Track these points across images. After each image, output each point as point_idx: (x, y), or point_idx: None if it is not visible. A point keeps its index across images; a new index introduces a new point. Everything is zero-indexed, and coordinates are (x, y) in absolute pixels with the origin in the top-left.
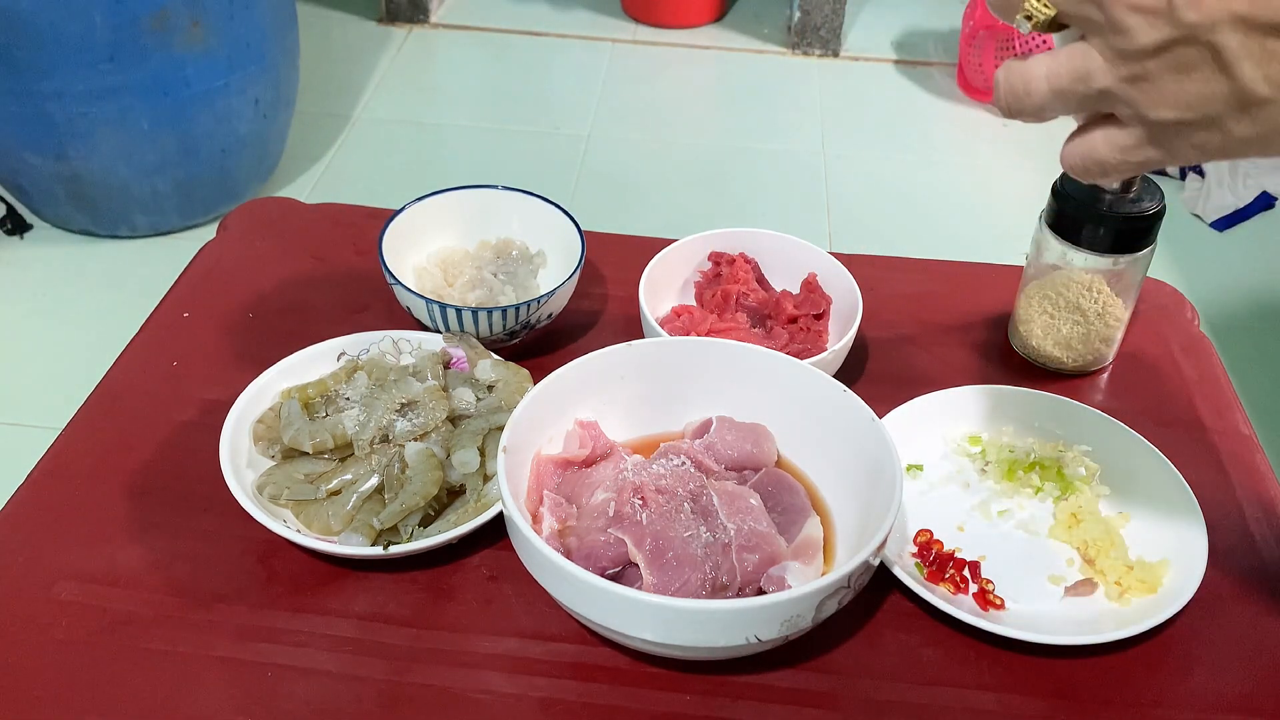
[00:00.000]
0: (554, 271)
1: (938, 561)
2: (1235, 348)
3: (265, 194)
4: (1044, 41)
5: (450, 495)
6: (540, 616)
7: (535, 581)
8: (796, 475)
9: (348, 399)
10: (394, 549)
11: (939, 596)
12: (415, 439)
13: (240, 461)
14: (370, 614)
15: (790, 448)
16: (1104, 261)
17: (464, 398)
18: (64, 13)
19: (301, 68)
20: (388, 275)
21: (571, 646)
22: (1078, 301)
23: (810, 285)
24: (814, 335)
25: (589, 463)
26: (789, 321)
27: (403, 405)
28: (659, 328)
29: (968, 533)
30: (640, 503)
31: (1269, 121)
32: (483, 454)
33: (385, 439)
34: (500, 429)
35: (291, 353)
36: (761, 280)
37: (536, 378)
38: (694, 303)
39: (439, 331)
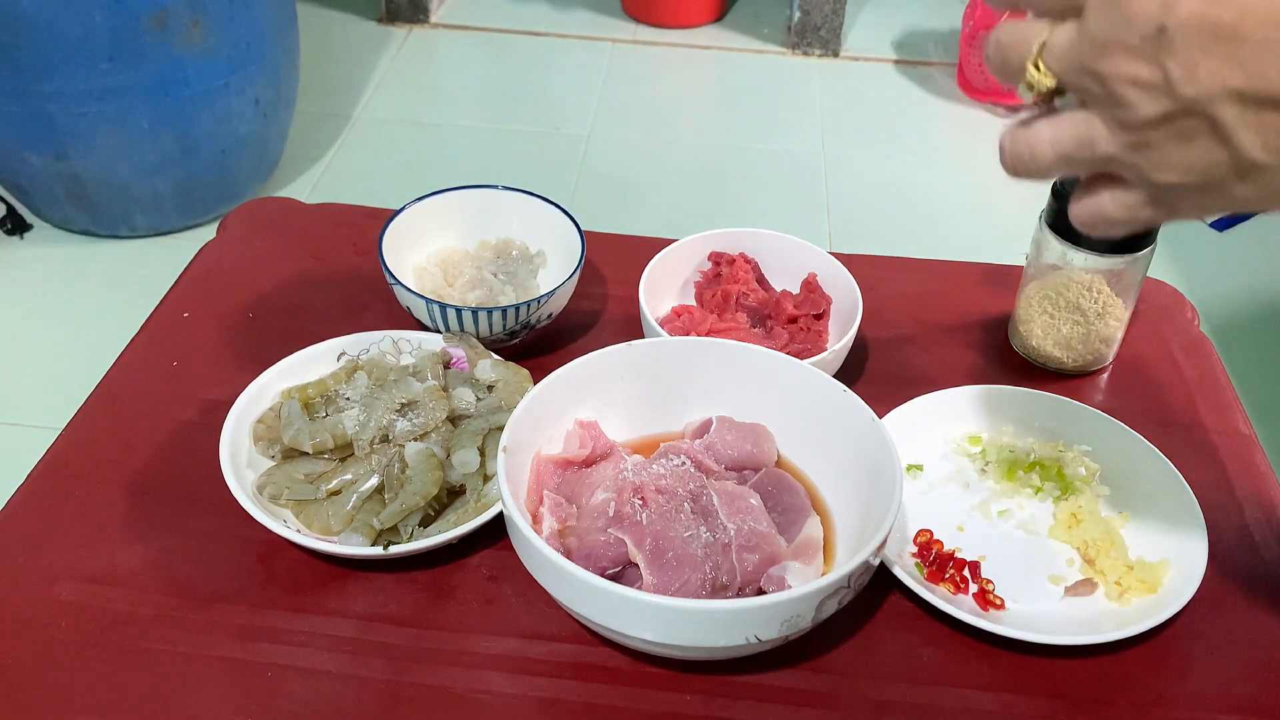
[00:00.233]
0: (554, 271)
1: (938, 561)
2: (1235, 348)
3: (265, 194)
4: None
5: (450, 495)
6: (540, 616)
7: (535, 581)
8: (796, 475)
9: (348, 399)
10: (394, 549)
11: (939, 596)
12: (415, 439)
13: (240, 461)
14: (370, 614)
15: (790, 448)
16: (1104, 261)
17: (464, 398)
18: (64, 13)
19: (301, 68)
20: (388, 275)
21: (571, 646)
22: (1078, 301)
23: (810, 285)
24: (814, 335)
25: (589, 463)
26: (789, 321)
27: (403, 405)
28: (659, 328)
29: (968, 533)
30: (640, 503)
31: (1268, 185)
32: (483, 454)
33: (385, 439)
34: (500, 429)
35: (291, 353)
36: (761, 280)
37: (536, 378)
38: (694, 303)
39: (439, 331)
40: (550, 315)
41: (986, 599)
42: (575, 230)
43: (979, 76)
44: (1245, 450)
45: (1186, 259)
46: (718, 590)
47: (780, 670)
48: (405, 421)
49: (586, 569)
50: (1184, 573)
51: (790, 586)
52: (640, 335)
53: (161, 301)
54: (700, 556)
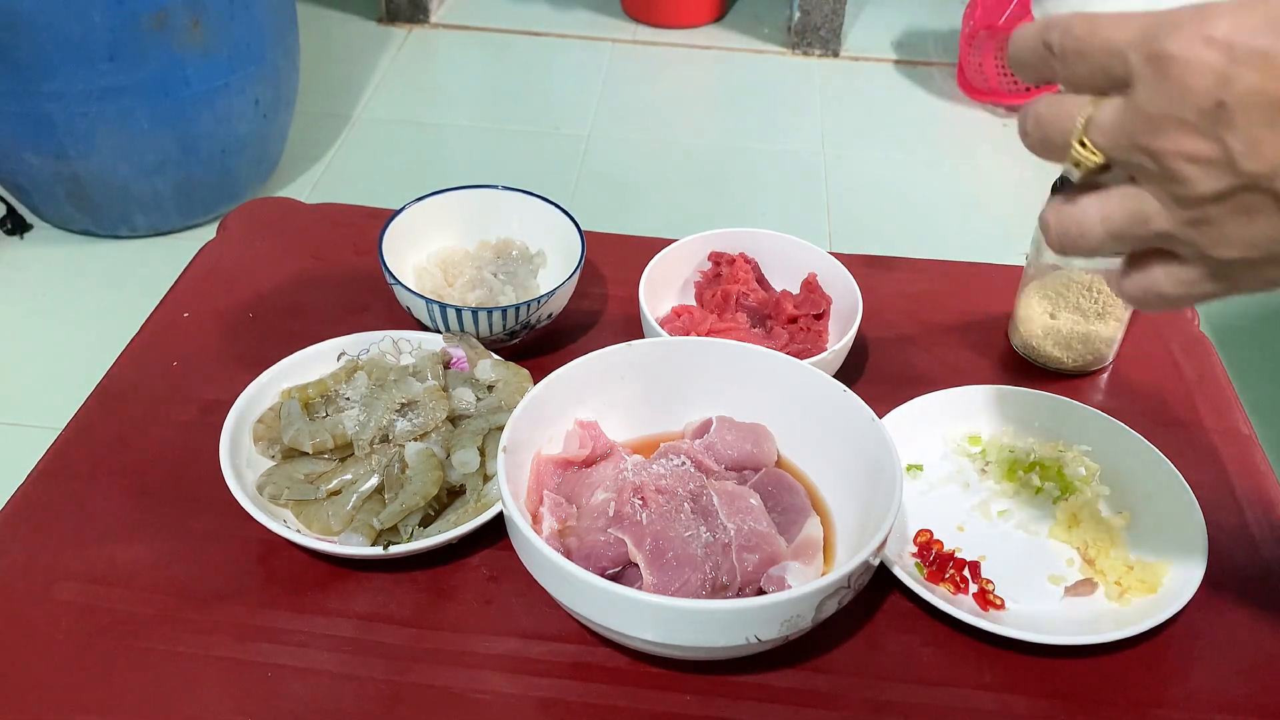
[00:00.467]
0: (554, 271)
1: (938, 561)
2: (1235, 348)
3: (265, 194)
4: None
5: (450, 495)
6: (540, 616)
7: (535, 581)
8: (796, 475)
9: (348, 399)
10: (394, 549)
11: (939, 596)
12: (415, 439)
13: (240, 461)
14: (370, 614)
15: (790, 448)
16: (1104, 262)
17: (464, 398)
18: (64, 13)
19: (301, 68)
20: (388, 275)
21: (571, 646)
22: (1078, 301)
23: (810, 285)
24: (814, 335)
25: (589, 463)
26: (789, 321)
27: (403, 405)
28: (659, 328)
29: (968, 533)
30: (640, 503)
31: None
32: (483, 454)
33: (385, 439)
34: (500, 429)
35: (291, 353)
36: (761, 280)
37: (536, 378)
38: (694, 303)
39: (439, 331)
40: (550, 315)
41: (986, 599)
42: (575, 230)
43: (979, 76)
44: (1245, 450)
45: None
46: (718, 590)
47: (780, 670)
48: (405, 421)
49: (586, 569)
50: (1184, 573)
51: (790, 586)
52: (640, 335)
53: (161, 301)
54: (700, 556)
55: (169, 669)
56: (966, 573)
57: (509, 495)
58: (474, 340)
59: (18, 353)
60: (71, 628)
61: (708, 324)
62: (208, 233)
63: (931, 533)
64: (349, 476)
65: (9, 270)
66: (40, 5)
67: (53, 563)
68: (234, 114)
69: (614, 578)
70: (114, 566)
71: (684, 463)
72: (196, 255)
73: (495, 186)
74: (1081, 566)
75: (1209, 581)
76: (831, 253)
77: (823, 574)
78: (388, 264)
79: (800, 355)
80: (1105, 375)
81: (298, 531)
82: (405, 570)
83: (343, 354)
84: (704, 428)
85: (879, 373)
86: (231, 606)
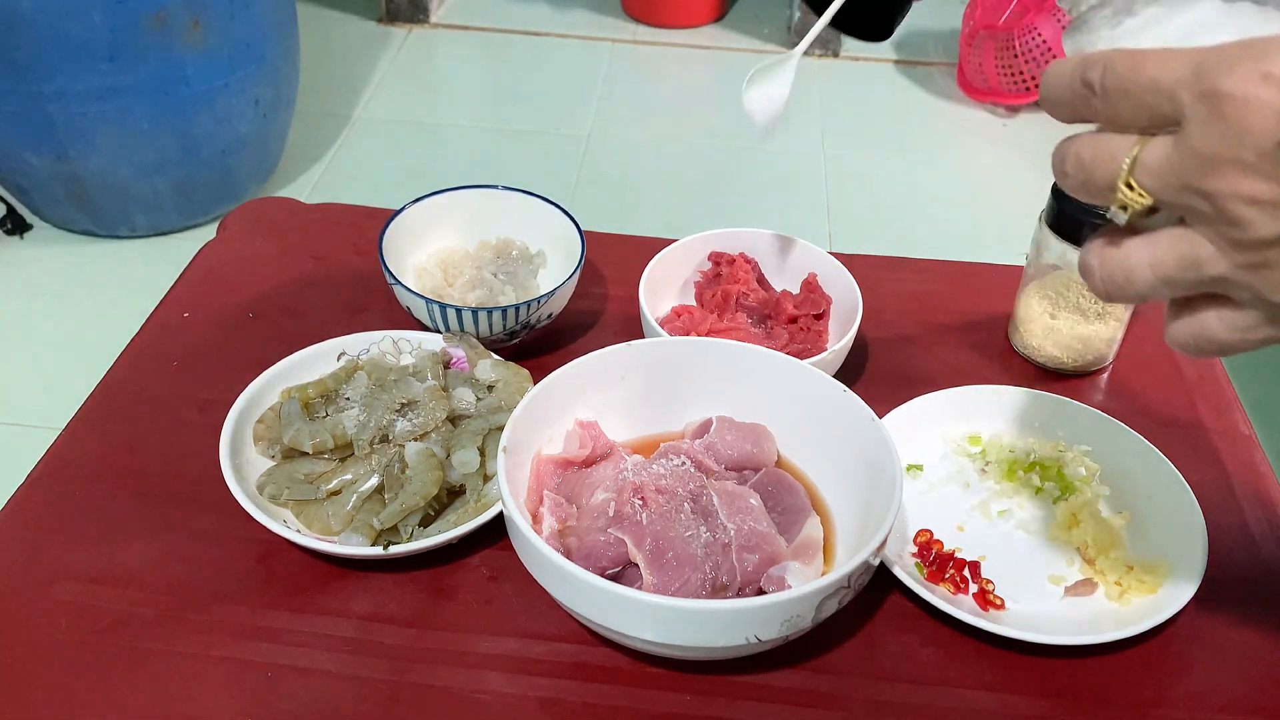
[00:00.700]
0: (554, 271)
1: (938, 561)
2: None
3: (265, 194)
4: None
5: (450, 495)
6: (540, 616)
7: (535, 581)
8: (796, 475)
9: (348, 399)
10: (394, 549)
11: (939, 596)
12: (415, 439)
13: (240, 461)
14: (370, 614)
15: (790, 448)
16: None
17: (464, 398)
18: (64, 13)
19: (301, 68)
20: (388, 275)
21: (571, 646)
22: (1078, 301)
23: (810, 285)
24: (814, 335)
25: (589, 463)
26: (789, 321)
27: (403, 405)
28: (659, 328)
29: (968, 533)
30: (640, 503)
31: None
32: (483, 454)
33: (385, 439)
34: (500, 429)
35: (291, 353)
36: (761, 280)
37: (536, 378)
38: (694, 303)
39: (439, 331)
40: (550, 315)
41: (986, 599)
42: (575, 230)
43: (979, 76)
44: (1245, 450)
45: None
46: (718, 590)
47: (780, 670)
48: (405, 421)
49: (586, 569)
50: (1184, 573)
51: (790, 586)
52: (640, 335)
53: (161, 301)
54: (700, 556)
55: (169, 669)
56: (966, 573)
57: (509, 495)
58: (474, 340)
59: (18, 353)
60: (71, 628)
61: (708, 324)
62: (208, 233)
63: (931, 533)
64: (349, 476)
65: (9, 270)
66: (40, 5)
67: (53, 563)
68: (234, 114)
69: (614, 578)
70: (114, 566)
71: (684, 463)
72: (196, 255)
73: (495, 186)
74: (1081, 566)
75: (1209, 581)
76: (831, 253)
77: (823, 574)
78: (388, 264)
79: (800, 355)
80: (1105, 375)
81: (298, 531)
82: (405, 570)
83: (343, 354)
84: (704, 428)
85: (879, 373)
86: (231, 606)
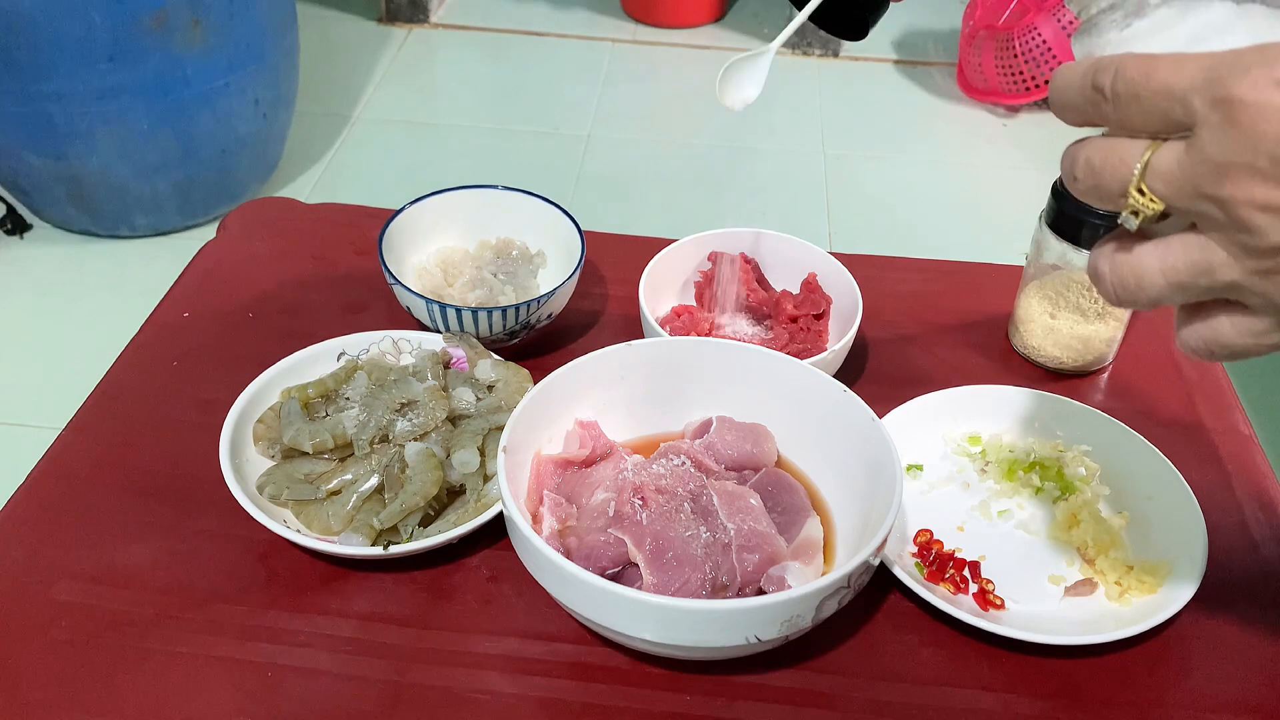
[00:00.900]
0: (554, 271)
1: (938, 561)
2: None
3: (265, 194)
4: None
5: (450, 495)
6: (540, 616)
7: (535, 581)
8: (796, 475)
9: (348, 399)
10: (394, 549)
11: (939, 596)
12: (415, 439)
13: (240, 461)
14: (370, 614)
15: (790, 448)
16: None
17: (464, 398)
18: (64, 13)
19: (301, 68)
20: (388, 275)
21: (571, 646)
22: (1078, 301)
23: (810, 285)
24: (814, 335)
25: (589, 463)
26: (789, 321)
27: (403, 405)
28: (659, 328)
29: (968, 533)
30: (640, 503)
31: None
32: (483, 454)
33: (385, 439)
34: (500, 429)
35: (291, 353)
36: (761, 280)
37: (536, 378)
38: (694, 303)
39: (439, 331)
40: (550, 315)
41: (986, 599)
42: (575, 230)
43: (979, 76)
44: (1245, 450)
45: None
46: (718, 590)
47: (780, 670)
48: (405, 421)
49: (586, 569)
50: (1184, 573)
51: (790, 586)
52: (640, 335)
53: (161, 301)
54: (700, 556)
55: (169, 669)
56: (966, 573)
57: (509, 495)
58: (474, 340)
59: (18, 353)
60: (71, 628)
61: (708, 324)
62: (208, 233)
63: (931, 533)
64: (349, 476)
65: (9, 270)
66: (40, 5)
67: (53, 563)
68: (234, 114)
69: (614, 578)
70: (114, 566)
71: (684, 463)
72: (196, 255)
73: (495, 186)
74: (1081, 566)
75: (1209, 581)
76: (831, 253)
77: (823, 574)
78: (388, 264)
79: (800, 355)
80: (1105, 375)
81: (298, 531)
82: (405, 570)
83: (343, 354)
84: (704, 428)
85: (879, 373)
86: (231, 606)
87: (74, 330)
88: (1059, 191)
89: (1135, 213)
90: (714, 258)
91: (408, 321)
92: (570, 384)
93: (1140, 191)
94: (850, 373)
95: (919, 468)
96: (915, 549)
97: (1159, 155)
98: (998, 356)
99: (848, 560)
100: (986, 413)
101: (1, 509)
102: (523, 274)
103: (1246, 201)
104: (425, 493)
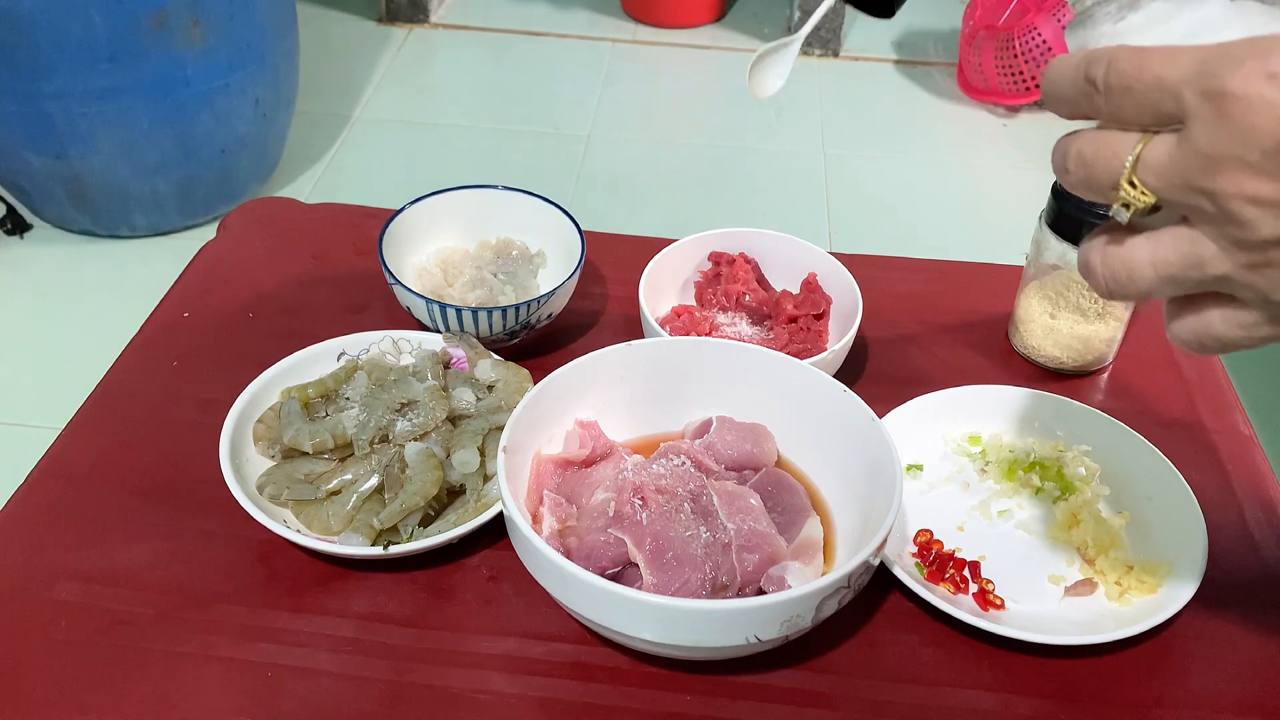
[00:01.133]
0: (554, 271)
1: (938, 561)
2: None
3: (265, 194)
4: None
5: (450, 495)
6: (540, 616)
7: (535, 581)
8: (796, 475)
9: (348, 399)
10: (394, 549)
11: (939, 596)
12: (415, 439)
13: (240, 461)
14: (370, 614)
15: (790, 448)
16: None
17: (464, 398)
18: (64, 13)
19: (301, 68)
20: (388, 275)
21: (571, 646)
22: (1078, 301)
23: (810, 285)
24: (814, 335)
25: (589, 463)
26: (789, 321)
27: (403, 405)
28: (659, 328)
29: (968, 533)
30: (640, 503)
31: None
32: (483, 454)
33: (385, 439)
34: (500, 429)
35: (291, 353)
36: (761, 280)
37: (536, 378)
38: (694, 303)
39: (439, 331)
40: (550, 315)
41: (986, 599)
42: (575, 230)
43: (979, 76)
44: (1245, 450)
45: None
46: (718, 590)
47: (780, 670)
48: (405, 421)
49: (586, 569)
50: (1184, 573)
51: (790, 586)
52: (640, 335)
53: (161, 301)
54: (700, 556)
55: (169, 669)
56: (966, 573)
57: (509, 495)
58: (474, 340)
59: (18, 353)
60: (71, 628)
61: (708, 324)
62: (208, 233)
63: (931, 533)
64: (349, 476)
65: (9, 270)
66: (40, 5)
67: (53, 563)
68: (234, 114)
69: (614, 578)
70: (114, 566)
71: (684, 463)
72: (196, 255)
73: (495, 186)
74: (1081, 566)
75: (1209, 581)
76: (831, 253)
77: (823, 574)
78: (388, 264)
79: (800, 355)
80: (1105, 375)
81: (298, 531)
82: (405, 570)
83: (343, 354)
84: (704, 428)
85: (879, 373)
86: (231, 606)
87: (74, 330)
88: (1059, 191)
89: (1126, 205)
90: (714, 258)
91: (408, 321)
92: (570, 384)
93: (1131, 184)
94: (850, 373)
95: (919, 468)
96: (915, 549)
97: (1150, 148)
98: (998, 356)
99: (848, 560)
100: (986, 413)
101: (1, 509)
102: (523, 274)
103: (1237, 194)
104: (425, 493)
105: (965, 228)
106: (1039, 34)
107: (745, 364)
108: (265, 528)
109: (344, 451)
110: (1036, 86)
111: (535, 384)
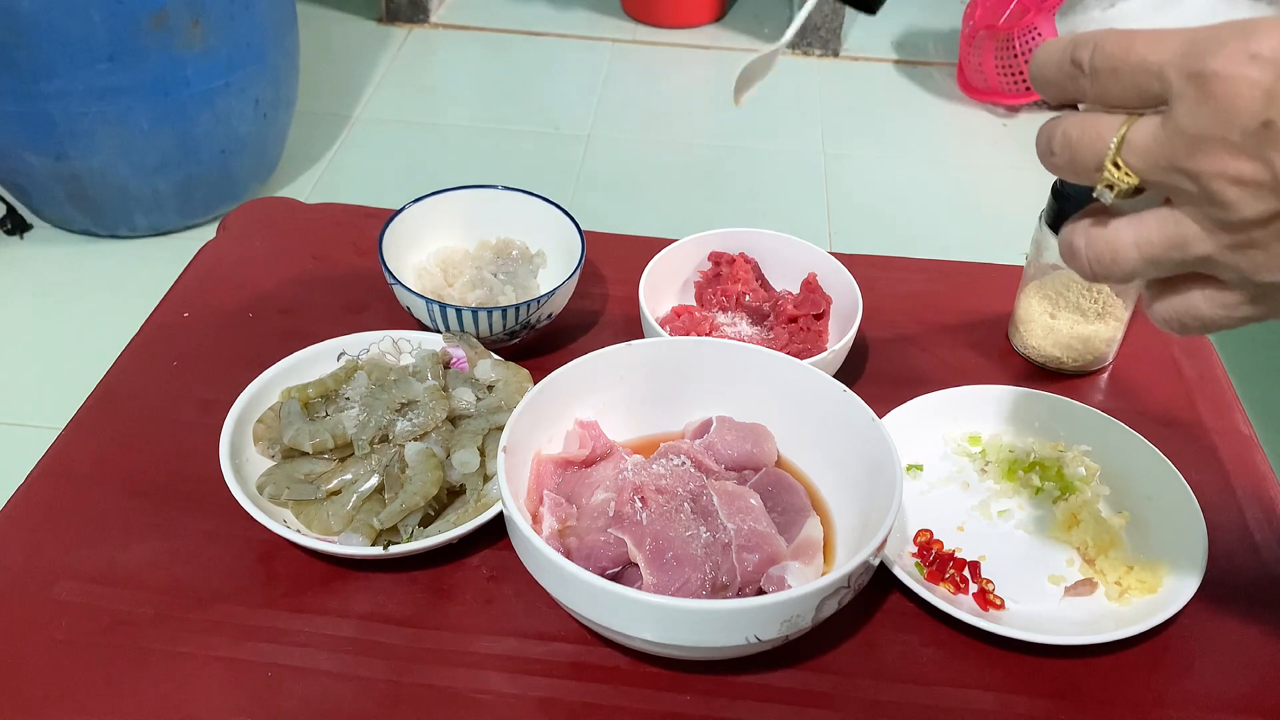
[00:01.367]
0: (554, 271)
1: (938, 561)
2: (1235, 348)
3: (265, 194)
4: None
5: (450, 495)
6: (540, 616)
7: (535, 581)
8: (796, 475)
9: (348, 399)
10: (394, 549)
11: (939, 596)
12: (415, 439)
13: (240, 461)
14: (370, 614)
15: (790, 448)
16: None
17: (464, 398)
18: (64, 13)
19: (301, 68)
20: (388, 275)
21: (571, 646)
22: (1078, 301)
23: (810, 285)
24: (814, 335)
25: (589, 463)
26: (789, 321)
27: (403, 405)
28: (659, 328)
29: (968, 533)
30: (640, 503)
31: None
32: (483, 454)
33: (385, 439)
34: (500, 429)
35: (291, 353)
36: (761, 280)
37: (536, 378)
38: (694, 303)
39: (439, 331)
40: (550, 315)
41: (986, 599)
42: (575, 230)
43: (979, 76)
44: (1245, 450)
45: None
46: (718, 590)
47: (780, 670)
48: (405, 421)
49: (586, 569)
50: (1184, 573)
51: (790, 586)
52: (640, 335)
53: (161, 301)
54: (700, 556)
55: (169, 669)
56: (966, 573)
57: (509, 495)
58: (474, 340)
59: (18, 353)
60: (71, 628)
61: (708, 324)
62: (208, 233)
63: (931, 533)
64: (349, 476)
65: (9, 270)
66: (40, 5)
67: (53, 563)
68: (234, 114)
69: (614, 578)
70: (114, 566)
71: (684, 463)
72: (196, 255)
73: (495, 186)
74: (1081, 566)
75: (1209, 581)
76: (831, 253)
77: (823, 574)
78: (388, 264)
79: (800, 355)
80: (1105, 375)
81: (298, 531)
82: (405, 570)
83: (343, 354)
84: (704, 428)
85: (879, 373)
86: (231, 606)
87: (74, 330)
88: (1059, 191)
89: (1110, 187)
90: (714, 258)
91: (408, 321)
92: (570, 384)
93: (1116, 165)
94: (850, 373)
95: (919, 468)
96: (915, 549)
97: (1135, 129)
98: (998, 356)
99: (848, 560)
100: (986, 413)
101: (1, 509)
102: (523, 274)
103: (1219, 175)
104: (425, 493)
105: (965, 228)
106: (1039, 34)
107: (745, 364)
108: (265, 528)
109: (344, 451)
110: None
111: (535, 384)
